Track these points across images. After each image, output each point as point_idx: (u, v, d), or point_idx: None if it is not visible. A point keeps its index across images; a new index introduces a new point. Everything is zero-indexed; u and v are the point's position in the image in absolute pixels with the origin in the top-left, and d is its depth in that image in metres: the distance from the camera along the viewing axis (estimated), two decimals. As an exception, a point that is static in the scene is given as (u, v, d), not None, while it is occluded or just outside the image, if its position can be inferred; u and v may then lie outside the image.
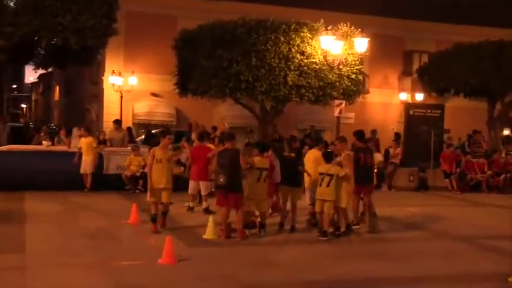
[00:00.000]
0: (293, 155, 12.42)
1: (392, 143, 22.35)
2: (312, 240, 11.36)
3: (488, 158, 21.73)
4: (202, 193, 14.23)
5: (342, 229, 11.84)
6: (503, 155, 22.75)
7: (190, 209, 14.24)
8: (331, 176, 11.35)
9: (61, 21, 17.63)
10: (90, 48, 19.74)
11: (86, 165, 17.15)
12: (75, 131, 19.66)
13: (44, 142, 19.21)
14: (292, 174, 12.21)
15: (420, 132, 22.91)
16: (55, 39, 18.28)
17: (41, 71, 36.09)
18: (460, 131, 25.01)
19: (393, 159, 21.48)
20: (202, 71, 21.28)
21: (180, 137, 17.30)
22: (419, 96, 31.83)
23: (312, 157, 12.70)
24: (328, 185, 11.34)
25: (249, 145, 12.69)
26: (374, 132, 24.34)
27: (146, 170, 12.40)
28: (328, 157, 11.73)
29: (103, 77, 30.48)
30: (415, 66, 32.07)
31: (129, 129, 23.24)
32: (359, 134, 12.90)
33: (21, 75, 77.46)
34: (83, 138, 17.59)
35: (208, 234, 11.06)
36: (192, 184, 14.37)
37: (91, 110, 35.99)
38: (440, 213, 15.62)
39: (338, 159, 11.89)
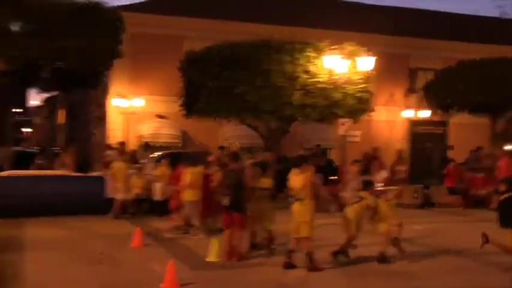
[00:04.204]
0: None
1: (397, 160, 22.20)
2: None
3: (491, 173, 21.55)
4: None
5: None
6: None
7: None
8: None
9: (65, 45, 17.59)
10: (95, 71, 19.70)
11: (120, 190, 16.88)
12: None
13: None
14: None
15: (424, 149, 22.87)
16: (59, 63, 18.24)
17: (45, 95, 36.21)
18: (464, 147, 24.85)
19: (398, 176, 21.30)
20: (208, 92, 21.26)
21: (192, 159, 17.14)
22: (424, 113, 31.69)
23: None
24: None
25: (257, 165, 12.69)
26: (376, 149, 24.29)
27: None
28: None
29: (108, 100, 30.50)
30: (420, 83, 32.02)
31: (133, 151, 23.16)
32: None
33: (25, 99, 77.82)
34: (116, 162, 17.37)
35: (212, 256, 10.95)
36: None
37: (96, 132, 36.00)
38: (445, 229, 15.51)
39: None
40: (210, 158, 16.31)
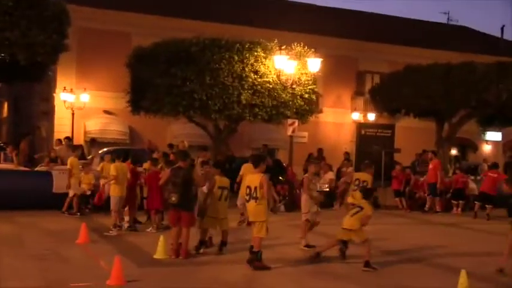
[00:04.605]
0: None
1: (344, 162, 22.51)
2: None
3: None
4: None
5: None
6: (450, 174, 23.22)
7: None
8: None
9: (9, 36, 17.21)
10: (40, 64, 19.28)
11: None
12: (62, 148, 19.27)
13: None
14: None
15: (371, 152, 23.20)
16: (2, 54, 17.82)
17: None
18: (411, 150, 25.42)
19: (345, 178, 21.59)
20: (156, 89, 21.13)
21: (138, 156, 17.04)
22: (371, 116, 32.26)
23: None
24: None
25: (206, 164, 12.73)
26: (320, 150, 24.63)
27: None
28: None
29: (54, 94, 29.99)
30: (368, 86, 32.56)
31: (80, 146, 22.84)
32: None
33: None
34: (72, 158, 17.01)
35: (159, 253, 10.91)
36: None
37: (41, 127, 35.30)
38: (389, 231, 15.76)
39: None
40: (155, 155, 16.24)
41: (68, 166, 16.82)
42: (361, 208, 10.94)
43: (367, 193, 11.44)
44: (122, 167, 14.15)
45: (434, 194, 20.87)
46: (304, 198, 12.67)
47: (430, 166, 21.26)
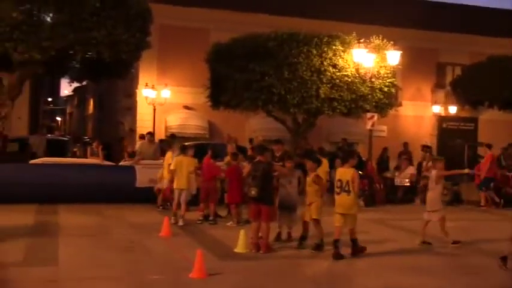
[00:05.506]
0: None
1: (426, 156, 22.04)
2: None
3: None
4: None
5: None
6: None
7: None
8: None
9: (95, 35, 17.88)
10: (123, 62, 19.92)
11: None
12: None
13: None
14: None
15: (454, 145, 22.64)
16: (89, 53, 18.55)
17: (75, 85, 36.79)
18: (496, 144, 24.56)
19: (426, 172, 21.17)
20: (235, 84, 21.35)
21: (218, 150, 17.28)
22: (453, 109, 31.46)
23: None
24: None
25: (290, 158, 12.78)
26: (406, 144, 24.12)
27: None
28: None
29: (136, 90, 30.82)
30: (448, 78, 31.80)
31: (161, 141, 23.37)
32: None
33: (56, 88, 79.01)
34: (169, 152, 16.96)
35: (240, 247, 11.05)
36: None
37: (124, 122, 36.33)
38: (473, 227, 15.33)
39: None
40: (229, 149, 16.38)
41: (170, 161, 16.84)
42: None
43: None
44: (181, 161, 14.43)
45: (485, 188, 20.04)
46: (432, 195, 12.52)
47: (484, 160, 20.41)
